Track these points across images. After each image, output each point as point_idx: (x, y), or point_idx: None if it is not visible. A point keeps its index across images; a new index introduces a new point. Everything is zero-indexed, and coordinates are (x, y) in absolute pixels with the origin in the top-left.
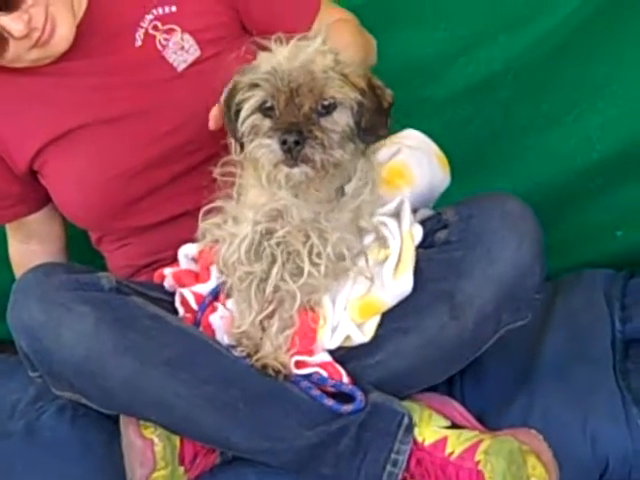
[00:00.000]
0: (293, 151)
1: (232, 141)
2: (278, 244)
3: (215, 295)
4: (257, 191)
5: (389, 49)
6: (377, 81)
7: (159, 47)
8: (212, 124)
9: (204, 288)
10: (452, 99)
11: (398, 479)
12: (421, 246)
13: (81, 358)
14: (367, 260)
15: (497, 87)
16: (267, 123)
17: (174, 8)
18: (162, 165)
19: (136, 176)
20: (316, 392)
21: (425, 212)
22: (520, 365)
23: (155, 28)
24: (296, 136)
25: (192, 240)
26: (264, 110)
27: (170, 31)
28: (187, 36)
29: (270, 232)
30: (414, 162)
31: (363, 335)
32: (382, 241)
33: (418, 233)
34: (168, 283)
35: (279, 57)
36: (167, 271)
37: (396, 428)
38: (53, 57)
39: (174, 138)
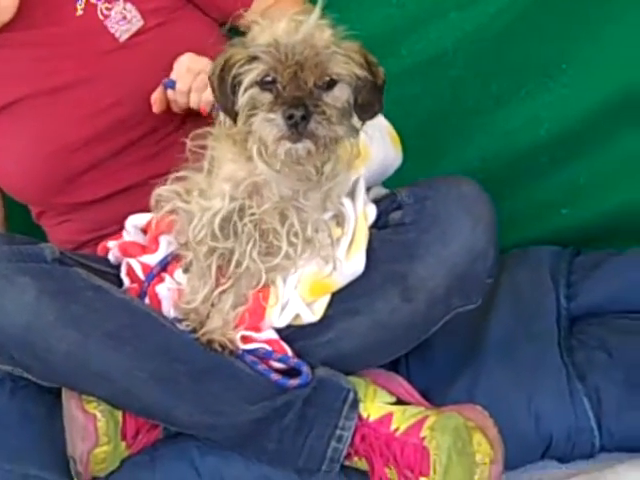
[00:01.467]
0: (299, 126)
1: (220, 114)
2: (253, 221)
3: (163, 266)
4: (235, 165)
5: (339, 24)
6: (372, 57)
7: (100, 17)
8: (156, 108)
9: (152, 259)
10: (401, 76)
11: (343, 455)
12: (374, 226)
13: (22, 330)
14: (333, 244)
15: (446, 65)
16: (268, 97)
17: None
18: (105, 139)
19: (78, 150)
20: (262, 367)
21: (378, 190)
22: (465, 342)
23: None
24: (303, 111)
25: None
26: (264, 84)
27: (112, 0)
28: (129, 5)
29: (245, 208)
30: (368, 139)
31: (312, 314)
32: (340, 220)
33: (372, 213)
34: (113, 255)
35: (277, 31)
36: (111, 243)
37: (341, 404)
38: None
39: (117, 110)
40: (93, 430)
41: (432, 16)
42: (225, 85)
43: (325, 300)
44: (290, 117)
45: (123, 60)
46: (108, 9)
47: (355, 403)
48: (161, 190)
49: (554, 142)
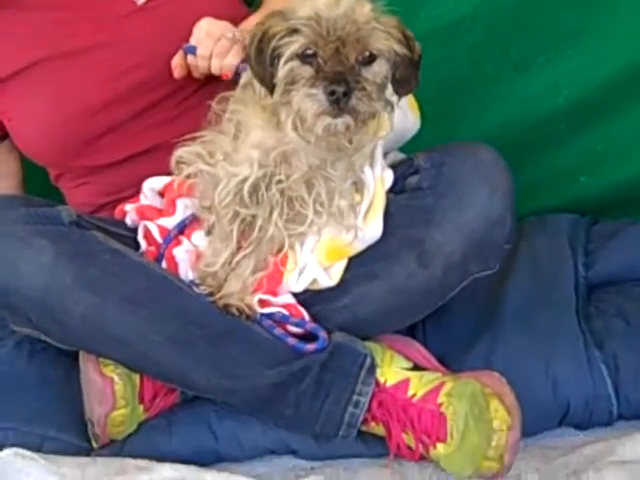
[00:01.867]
0: (341, 102)
1: (247, 79)
2: (280, 189)
3: (181, 229)
4: (263, 132)
5: None
6: (409, 32)
7: None
8: (177, 73)
9: (169, 222)
10: (420, 41)
11: (359, 420)
12: (391, 190)
13: (40, 292)
14: (356, 214)
15: (465, 31)
16: (308, 70)
17: None
18: (124, 101)
19: (97, 113)
20: (279, 331)
21: (395, 155)
22: (483, 308)
23: None
24: (345, 87)
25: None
26: (305, 57)
27: None
28: None
29: (273, 176)
30: None
31: (330, 279)
32: (359, 186)
33: (389, 178)
34: (130, 218)
35: (318, 4)
36: (129, 207)
37: (358, 369)
38: None
39: (136, 73)
40: (110, 393)
41: None
42: (263, 56)
43: (342, 265)
44: (332, 93)
45: (141, 23)
46: None
47: (372, 368)
48: (182, 151)
49: (572, 109)
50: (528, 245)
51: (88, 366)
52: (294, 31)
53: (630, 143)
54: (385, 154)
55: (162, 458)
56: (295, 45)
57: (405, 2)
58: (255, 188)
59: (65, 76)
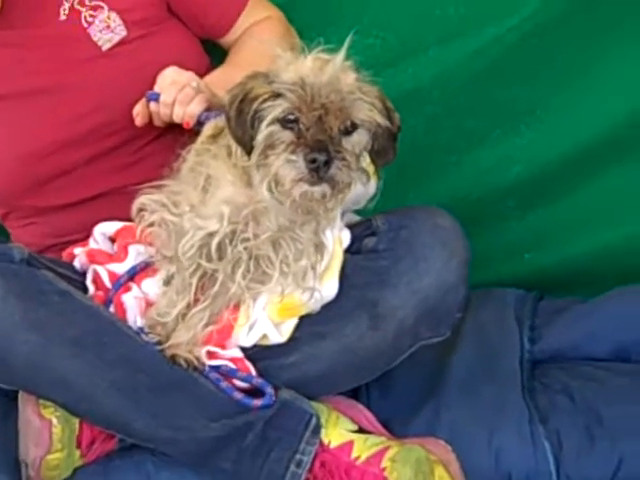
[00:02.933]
0: (320, 170)
1: (232, 142)
2: (247, 247)
3: (131, 275)
4: (234, 188)
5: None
6: (390, 103)
7: (84, 24)
8: (138, 121)
9: (120, 267)
10: None
11: None
12: (348, 251)
13: None
14: (315, 276)
15: (422, 101)
16: (288, 135)
17: None
18: (79, 145)
19: (50, 155)
20: (225, 384)
21: (351, 217)
22: (428, 377)
23: (81, 3)
24: (326, 156)
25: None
26: (286, 122)
27: (97, 8)
28: (114, 15)
29: (241, 233)
30: None
31: (280, 335)
32: (319, 248)
33: (346, 238)
34: (80, 261)
35: (303, 69)
36: (78, 250)
37: (303, 428)
38: None
39: (94, 118)
40: (48, 436)
41: (412, 51)
42: (244, 118)
43: (293, 322)
44: (313, 161)
45: (103, 69)
46: (92, 16)
47: (317, 428)
48: (145, 199)
49: (522, 186)
50: (474, 317)
51: (27, 406)
52: (277, 95)
53: (576, 224)
54: (341, 215)
55: None
56: (278, 109)
57: (365, 67)
58: (220, 243)
59: (20, 115)
